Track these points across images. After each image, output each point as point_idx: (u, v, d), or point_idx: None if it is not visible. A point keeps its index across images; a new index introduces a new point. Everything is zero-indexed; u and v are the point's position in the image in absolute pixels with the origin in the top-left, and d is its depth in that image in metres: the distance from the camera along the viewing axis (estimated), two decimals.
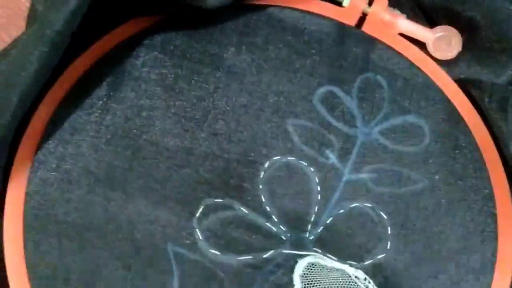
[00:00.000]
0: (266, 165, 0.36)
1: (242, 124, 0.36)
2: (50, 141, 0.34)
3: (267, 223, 0.35)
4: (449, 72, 0.40)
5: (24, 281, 0.32)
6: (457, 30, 0.41)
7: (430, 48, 0.41)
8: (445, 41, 0.41)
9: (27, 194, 0.33)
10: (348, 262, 0.34)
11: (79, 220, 0.33)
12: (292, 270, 0.33)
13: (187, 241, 0.34)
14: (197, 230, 0.34)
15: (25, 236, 0.32)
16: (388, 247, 0.35)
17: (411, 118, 0.38)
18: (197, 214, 0.34)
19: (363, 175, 0.36)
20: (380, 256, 0.35)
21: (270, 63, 0.38)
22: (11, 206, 0.33)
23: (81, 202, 0.33)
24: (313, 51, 0.38)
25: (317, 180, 0.36)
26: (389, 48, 0.39)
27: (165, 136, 0.35)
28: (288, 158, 0.36)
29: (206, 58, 0.37)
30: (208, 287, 0.33)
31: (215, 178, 0.35)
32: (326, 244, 0.35)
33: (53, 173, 0.34)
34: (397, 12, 0.41)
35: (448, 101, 0.38)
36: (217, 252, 0.34)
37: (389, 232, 0.35)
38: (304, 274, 0.33)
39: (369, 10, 0.40)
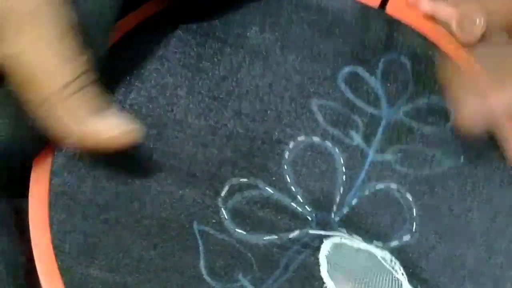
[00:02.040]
0: (291, 145, 0.35)
1: (266, 104, 0.36)
2: None
3: (293, 203, 0.34)
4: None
5: (52, 261, 0.32)
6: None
7: (454, 27, 0.40)
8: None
9: (52, 172, 0.33)
10: (374, 243, 0.34)
11: (104, 199, 0.33)
12: (318, 250, 0.33)
13: (213, 220, 0.33)
14: (222, 209, 0.34)
15: (51, 216, 0.32)
16: (414, 229, 0.35)
17: (436, 100, 0.38)
18: (223, 194, 0.34)
19: (388, 156, 0.36)
20: (406, 238, 0.35)
21: (294, 43, 0.37)
22: (36, 186, 0.33)
23: (106, 181, 0.33)
24: (337, 31, 0.38)
25: (342, 161, 0.36)
26: (413, 29, 0.39)
27: (189, 115, 0.35)
28: (313, 138, 0.36)
29: (230, 37, 0.37)
30: (235, 267, 0.32)
31: (240, 157, 0.35)
32: (351, 225, 0.34)
33: (78, 152, 0.33)
34: None
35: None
36: (243, 232, 0.33)
37: (415, 213, 0.35)
38: (330, 254, 0.33)
39: None
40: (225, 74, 0.36)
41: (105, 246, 0.32)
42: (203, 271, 0.32)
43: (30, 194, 0.33)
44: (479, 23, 0.40)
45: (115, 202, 0.33)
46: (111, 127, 0.31)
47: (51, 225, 0.32)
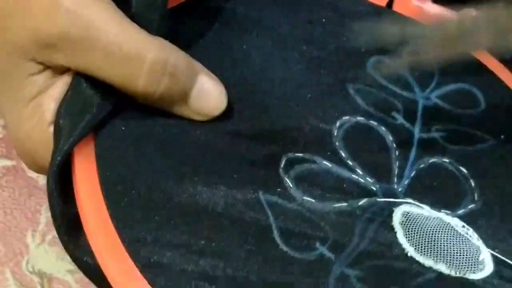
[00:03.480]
0: (337, 124, 0.34)
1: (305, 88, 0.35)
2: None
3: (354, 175, 0.32)
4: None
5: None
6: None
7: None
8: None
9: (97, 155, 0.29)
10: (442, 211, 0.32)
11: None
12: (390, 217, 0.31)
13: (278, 189, 0.30)
14: (285, 178, 0.31)
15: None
16: (476, 198, 0.33)
17: (463, 86, 0.38)
18: (281, 166, 0.31)
19: (434, 134, 0.35)
20: (470, 206, 0.33)
21: (316, 35, 0.37)
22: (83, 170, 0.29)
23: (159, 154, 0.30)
24: (356, 26, 0.38)
25: (391, 138, 0.34)
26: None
27: None
28: (357, 118, 0.35)
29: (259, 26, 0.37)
30: (310, 236, 0.29)
31: (291, 135, 0.33)
32: (415, 195, 0.32)
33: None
34: None
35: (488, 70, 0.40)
36: (311, 200, 0.31)
37: (473, 184, 0.34)
38: (402, 222, 0.31)
39: None
40: (260, 62, 0.36)
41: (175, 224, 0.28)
42: (279, 241, 0.29)
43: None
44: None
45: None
46: (209, 99, 0.31)
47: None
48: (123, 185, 0.28)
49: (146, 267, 0.26)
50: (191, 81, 0.31)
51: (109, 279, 0.26)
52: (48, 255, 0.38)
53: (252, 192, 0.30)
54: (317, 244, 0.29)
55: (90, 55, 0.28)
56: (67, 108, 0.29)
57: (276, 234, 0.29)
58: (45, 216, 0.40)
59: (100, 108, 0.29)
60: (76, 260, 0.29)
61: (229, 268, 0.27)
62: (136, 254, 0.26)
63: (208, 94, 0.31)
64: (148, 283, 0.26)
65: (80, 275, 0.38)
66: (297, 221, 0.30)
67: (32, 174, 0.41)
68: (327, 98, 0.35)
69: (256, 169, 0.31)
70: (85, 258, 0.28)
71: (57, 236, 0.39)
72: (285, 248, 0.28)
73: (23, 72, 0.29)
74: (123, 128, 0.30)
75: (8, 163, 0.41)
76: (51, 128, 0.30)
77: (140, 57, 0.28)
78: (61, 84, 0.30)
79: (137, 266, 0.26)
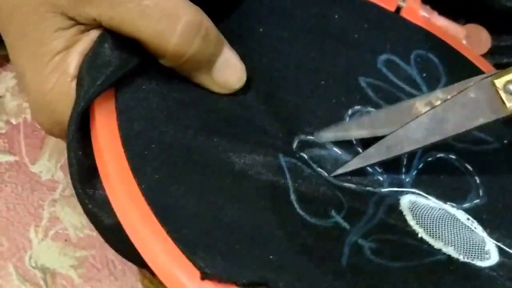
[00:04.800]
0: (349, 112, 0.35)
1: (319, 75, 0.36)
2: None
3: None
4: None
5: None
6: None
7: (464, 42, 0.42)
8: (475, 38, 0.42)
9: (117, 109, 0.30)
10: (448, 203, 0.33)
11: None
12: (396, 203, 0.32)
13: (297, 155, 0.31)
14: (300, 154, 0.32)
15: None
16: (481, 194, 0.34)
17: None
18: (294, 146, 0.32)
19: None
20: (476, 201, 0.34)
21: (330, 29, 0.38)
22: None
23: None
24: (367, 25, 0.39)
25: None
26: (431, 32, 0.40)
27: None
28: (368, 108, 0.35)
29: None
30: (326, 203, 0.30)
31: (304, 116, 0.34)
32: (422, 186, 0.33)
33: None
34: (429, 9, 0.42)
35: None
36: (325, 174, 0.32)
37: (478, 181, 0.35)
38: (410, 208, 0.32)
39: (404, 4, 0.41)
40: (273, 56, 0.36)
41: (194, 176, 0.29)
42: (296, 205, 0.29)
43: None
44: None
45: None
46: (232, 71, 0.32)
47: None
48: (143, 137, 0.28)
49: (164, 213, 0.26)
50: (218, 49, 0.31)
51: (126, 226, 0.26)
52: (51, 250, 0.38)
53: (271, 154, 0.30)
54: (333, 212, 0.30)
55: (125, 8, 0.28)
56: (90, 62, 0.29)
57: (293, 197, 0.29)
58: (48, 211, 0.40)
59: (123, 64, 0.29)
60: (88, 213, 0.29)
61: (243, 219, 0.27)
62: (154, 201, 0.27)
63: (232, 66, 0.32)
64: (164, 228, 0.26)
65: (83, 270, 0.37)
66: (314, 186, 0.30)
67: (35, 169, 0.41)
68: (340, 86, 0.36)
69: (274, 139, 0.31)
70: (96, 211, 0.29)
71: (60, 231, 0.39)
72: (301, 212, 0.29)
73: (51, 25, 0.30)
74: (144, 86, 0.30)
75: (10, 158, 0.41)
76: (74, 83, 0.30)
77: (176, 15, 0.29)
78: (88, 40, 0.30)
79: (154, 213, 0.26)
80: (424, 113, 0.31)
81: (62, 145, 0.42)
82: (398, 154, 0.32)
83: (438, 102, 0.32)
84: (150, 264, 0.26)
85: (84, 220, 0.39)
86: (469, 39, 0.42)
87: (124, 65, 0.29)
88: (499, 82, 0.30)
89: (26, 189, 0.40)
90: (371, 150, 0.31)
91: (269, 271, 0.26)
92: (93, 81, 0.29)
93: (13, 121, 0.43)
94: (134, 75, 0.30)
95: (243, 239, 0.27)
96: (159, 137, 0.29)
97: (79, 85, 0.29)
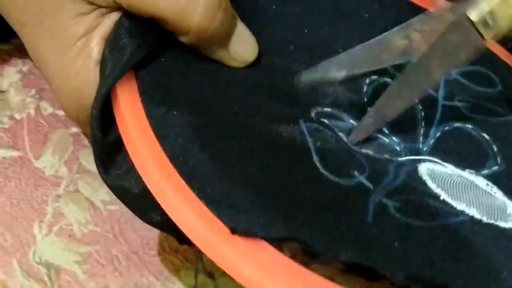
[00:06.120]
0: (367, 81, 0.35)
1: (335, 49, 0.36)
2: None
3: (379, 135, 0.33)
4: None
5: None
6: None
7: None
8: None
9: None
10: (467, 170, 0.33)
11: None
12: (415, 171, 0.32)
13: (317, 121, 0.32)
14: (322, 119, 0.32)
15: None
16: (499, 161, 0.34)
17: (480, 68, 0.39)
18: (313, 115, 0.33)
19: (457, 103, 0.36)
20: (494, 168, 0.34)
21: (341, 8, 0.39)
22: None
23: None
24: (377, 5, 0.40)
25: (416, 100, 0.35)
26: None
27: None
28: (385, 79, 0.35)
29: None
30: (349, 164, 0.30)
31: (321, 87, 0.34)
32: (440, 154, 0.33)
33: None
34: None
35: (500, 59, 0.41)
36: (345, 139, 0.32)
37: (495, 149, 0.35)
38: (428, 174, 0.32)
39: None
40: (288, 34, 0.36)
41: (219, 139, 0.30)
42: (318, 165, 0.29)
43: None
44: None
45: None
46: (247, 44, 0.32)
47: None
48: (164, 104, 0.29)
49: (188, 173, 0.27)
50: (235, 22, 0.31)
51: (152, 189, 0.27)
52: (55, 246, 0.38)
53: (292, 119, 0.31)
54: (356, 173, 0.30)
55: None
56: (112, 45, 0.30)
57: (316, 158, 0.30)
58: (52, 206, 0.39)
59: (143, 45, 0.30)
60: (114, 186, 0.31)
61: (266, 179, 0.28)
62: (178, 162, 0.27)
63: (245, 39, 0.32)
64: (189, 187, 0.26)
65: (87, 266, 0.37)
66: (336, 148, 0.31)
67: (39, 164, 0.41)
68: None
69: (292, 109, 0.32)
70: (122, 183, 0.30)
71: (64, 227, 0.39)
72: (325, 172, 0.29)
73: (71, 11, 0.30)
74: (164, 66, 0.31)
75: (14, 153, 0.41)
76: (98, 67, 0.30)
77: None
78: (109, 23, 0.30)
79: (179, 173, 0.27)
80: (412, 63, 0.32)
81: (66, 140, 0.42)
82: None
83: (415, 34, 0.32)
84: (176, 221, 0.26)
85: (88, 215, 0.39)
86: None
87: (144, 46, 0.30)
88: (474, 16, 0.30)
89: (30, 184, 0.40)
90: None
91: (296, 227, 0.26)
92: (119, 59, 0.29)
93: (17, 117, 0.42)
94: (153, 55, 0.31)
95: (268, 197, 0.27)
96: (179, 104, 0.29)
97: (102, 67, 0.30)
